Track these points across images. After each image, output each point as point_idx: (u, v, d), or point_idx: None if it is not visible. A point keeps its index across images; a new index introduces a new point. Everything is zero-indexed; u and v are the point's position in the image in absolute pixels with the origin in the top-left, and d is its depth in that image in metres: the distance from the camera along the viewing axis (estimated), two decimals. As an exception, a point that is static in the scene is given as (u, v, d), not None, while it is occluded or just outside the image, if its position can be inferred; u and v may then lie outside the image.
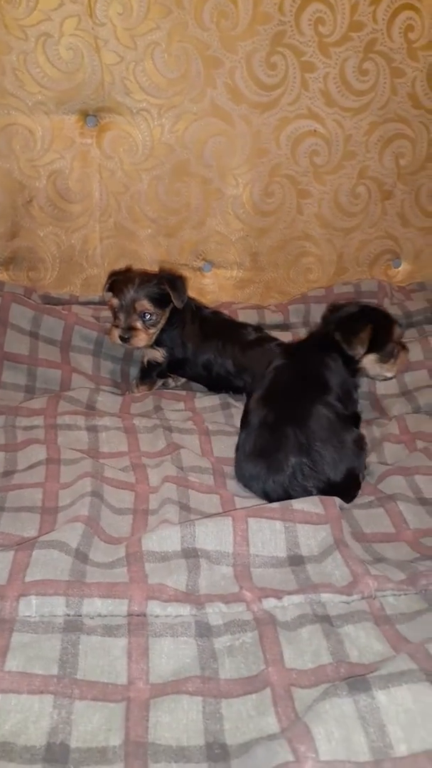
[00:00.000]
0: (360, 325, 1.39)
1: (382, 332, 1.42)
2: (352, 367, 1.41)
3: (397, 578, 0.95)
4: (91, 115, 1.80)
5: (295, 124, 1.90)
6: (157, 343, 1.63)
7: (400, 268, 2.18)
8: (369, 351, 1.41)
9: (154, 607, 0.86)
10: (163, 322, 1.61)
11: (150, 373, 1.66)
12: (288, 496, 1.16)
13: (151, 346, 1.63)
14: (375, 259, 2.13)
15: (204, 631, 0.84)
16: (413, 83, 1.93)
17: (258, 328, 1.74)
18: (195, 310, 1.69)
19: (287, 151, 1.93)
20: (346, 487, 1.20)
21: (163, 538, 0.98)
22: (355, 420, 1.39)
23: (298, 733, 0.66)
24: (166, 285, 1.56)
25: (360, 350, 1.38)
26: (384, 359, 1.45)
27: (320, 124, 1.92)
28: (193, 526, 0.99)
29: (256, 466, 1.22)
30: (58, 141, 1.79)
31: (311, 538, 1.03)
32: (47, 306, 1.70)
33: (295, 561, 1.00)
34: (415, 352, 1.61)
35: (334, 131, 1.94)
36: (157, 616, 0.85)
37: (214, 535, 0.99)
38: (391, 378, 1.52)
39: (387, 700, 0.69)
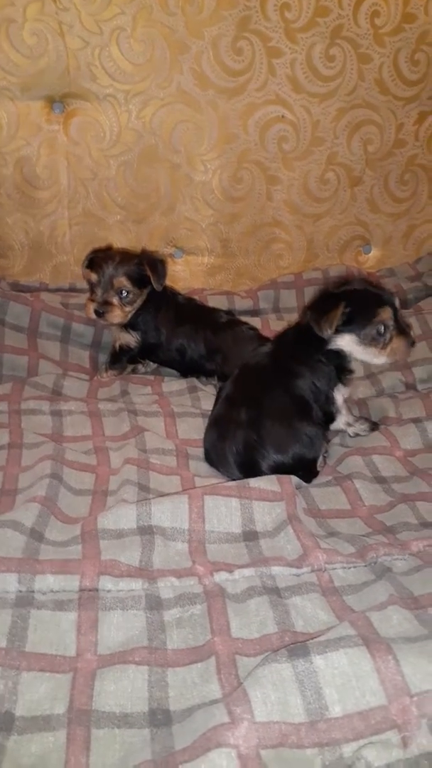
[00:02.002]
0: (331, 304, 1.24)
1: (361, 311, 1.25)
2: (334, 356, 1.29)
3: (347, 551, 0.97)
4: (58, 101, 1.79)
5: (262, 109, 1.91)
6: (132, 327, 1.65)
7: (370, 254, 2.20)
8: (346, 332, 1.26)
9: (106, 583, 0.87)
10: (139, 302, 1.63)
11: (121, 358, 1.67)
12: (239, 463, 1.21)
13: (125, 330, 1.65)
14: (345, 245, 2.15)
15: (154, 604, 0.86)
16: (380, 69, 1.94)
17: (229, 312, 1.77)
18: (170, 296, 1.71)
19: (255, 137, 1.93)
20: (298, 471, 1.21)
21: (119, 517, 0.99)
22: (325, 418, 1.31)
23: (236, 696, 0.69)
24: (146, 266, 1.58)
25: (327, 331, 1.23)
26: (368, 342, 1.26)
27: (288, 109, 1.93)
28: (149, 505, 1.01)
29: (211, 434, 1.28)
30: (24, 127, 1.78)
31: (266, 515, 1.05)
32: (13, 293, 1.70)
33: (250, 536, 1.02)
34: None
35: (302, 117, 1.94)
36: (108, 591, 0.87)
37: (170, 513, 1.01)
38: (382, 364, 1.32)
39: (324, 664, 0.71)
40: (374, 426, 1.40)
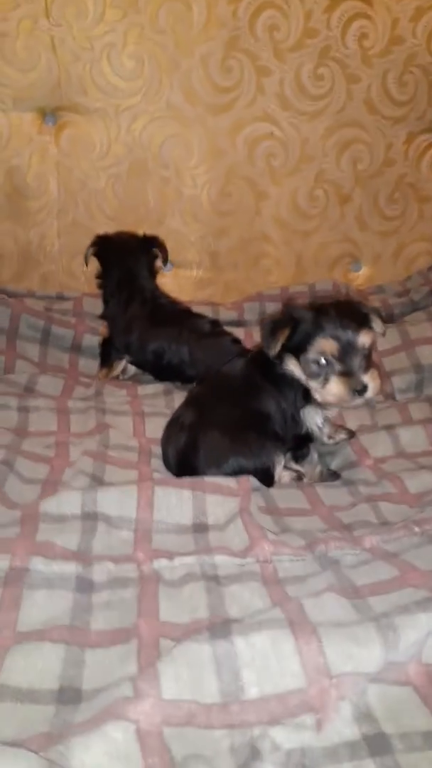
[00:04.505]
0: (283, 323, 1.16)
1: (304, 336, 1.14)
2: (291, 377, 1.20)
3: (296, 544, 0.93)
4: (50, 114, 1.84)
5: (251, 126, 1.94)
6: (104, 317, 1.69)
7: (360, 272, 2.19)
8: (290, 353, 1.17)
9: (38, 563, 0.84)
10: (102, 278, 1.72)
11: (108, 354, 1.67)
12: (179, 467, 1.17)
13: (103, 322, 1.71)
14: (334, 262, 2.15)
15: (85, 586, 0.83)
16: (368, 89, 1.97)
17: (215, 322, 1.74)
18: (151, 295, 1.70)
19: (244, 152, 1.96)
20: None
21: (62, 502, 0.96)
22: (295, 442, 1.23)
23: (146, 673, 0.65)
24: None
25: (272, 351, 1.15)
26: (308, 373, 1.15)
27: (276, 127, 1.96)
28: (95, 492, 0.98)
29: (163, 434, 1.25)
30: (15, 138, 1.83)
31: (219, 507, 1.01)
32: (-6, 295, 1.71)
33: (200, 528, 0.99)
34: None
35: (290, 134, 1.97)
36: (39, 572, 0.84)
37: (116, 501, 0.98)
38: (325, 406, 1.20)
39: (244, 646, 0.67)
40: (351, 434, 1.36)
